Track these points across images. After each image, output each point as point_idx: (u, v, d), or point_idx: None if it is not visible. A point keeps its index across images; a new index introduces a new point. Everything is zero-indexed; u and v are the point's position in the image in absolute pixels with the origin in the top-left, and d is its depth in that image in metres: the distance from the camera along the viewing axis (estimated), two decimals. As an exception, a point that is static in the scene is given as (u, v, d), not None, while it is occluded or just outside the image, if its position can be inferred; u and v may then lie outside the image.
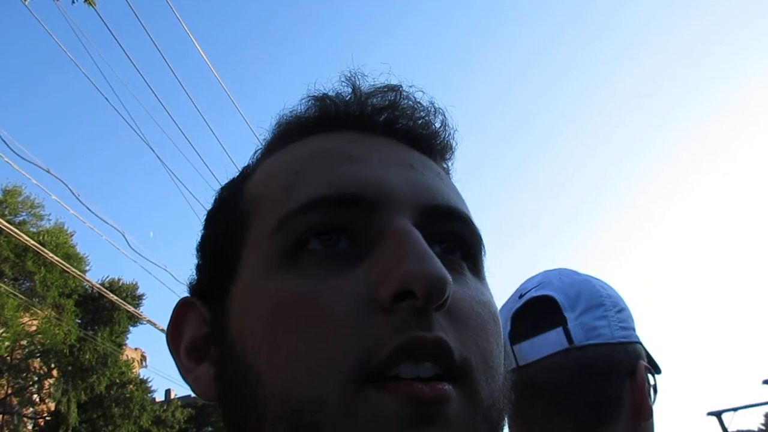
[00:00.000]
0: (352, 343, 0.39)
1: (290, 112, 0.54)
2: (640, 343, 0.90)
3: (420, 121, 0.53)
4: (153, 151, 10.67)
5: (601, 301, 0.87)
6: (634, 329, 0.90)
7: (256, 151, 0.56)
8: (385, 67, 0.54)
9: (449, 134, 0.54)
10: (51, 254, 11.72)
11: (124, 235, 10.10)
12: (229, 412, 0.45)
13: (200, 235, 0.54)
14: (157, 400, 29.33)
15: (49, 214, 22.45)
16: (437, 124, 0.54)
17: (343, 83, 0.53)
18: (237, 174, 0.55)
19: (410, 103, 0.53)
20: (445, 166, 0.55)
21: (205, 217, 0.54)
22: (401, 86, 0.53)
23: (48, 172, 8.78)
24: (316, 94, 0.53)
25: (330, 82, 0.54)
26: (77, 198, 9.26)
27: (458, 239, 0.47)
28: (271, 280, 0.43)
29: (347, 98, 0.52)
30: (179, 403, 28.82)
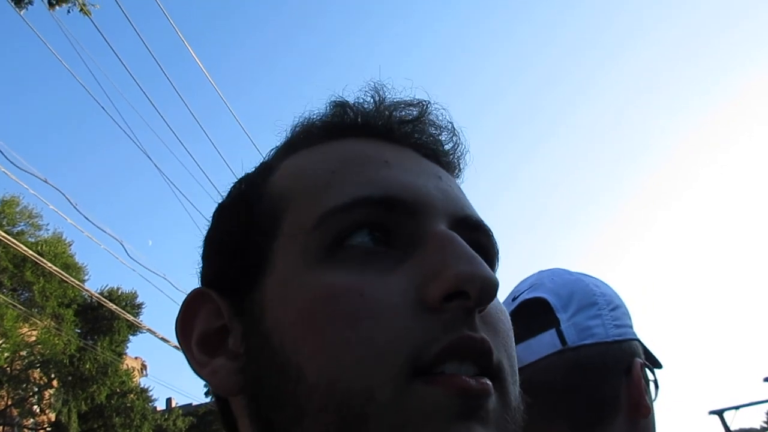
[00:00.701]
0: (402, 339, 0.40)
1: (315, 115, 0.55)
2: (637, 340, 0.89)
3: (441, 137, 0.56)
4: (150, 159, 10.68)
5: (594, 300, 0.87)
6: (630, 326, 0.89)
7: (273, 149, 0.57)
8: (407, 82, 0.56)
9: (464, 153, 0.57)
10: (49, 264, 11.70)
11: (122, 244, 10.11)
12: (259, 406, 0.45)
13: (213, 227, 0.54)
14: (158, 409, 29.23)
15: (47, 224, 22.46)
16: (454, 143, 0.56)
17: (368, 93, 0.55)
18: (254, 169, 0.56)
19: (433, 118, 0.55)
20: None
21: (218, 209, 0.55)
22: (426, 101, 0.55)
23: (45, 181, 8.79)
24: (342, 101, 0.55)
25: (353, 90, 0.55)
26: (75, 207, 9.28)
27: (481, 250, 0.49)
28: (312, 273, 0.44)
29: (374, 108, 0.54)
30: (180, 411, 28.75)
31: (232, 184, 0.56)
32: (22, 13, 8.15)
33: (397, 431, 0.39)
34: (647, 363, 0.89)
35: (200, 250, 0.55)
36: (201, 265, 0.54)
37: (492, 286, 0.42)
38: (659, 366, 0.94)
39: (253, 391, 0.45)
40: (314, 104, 0.56)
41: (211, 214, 0.55)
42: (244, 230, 0.50)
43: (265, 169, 0.54)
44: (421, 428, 0.39)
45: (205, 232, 0.56)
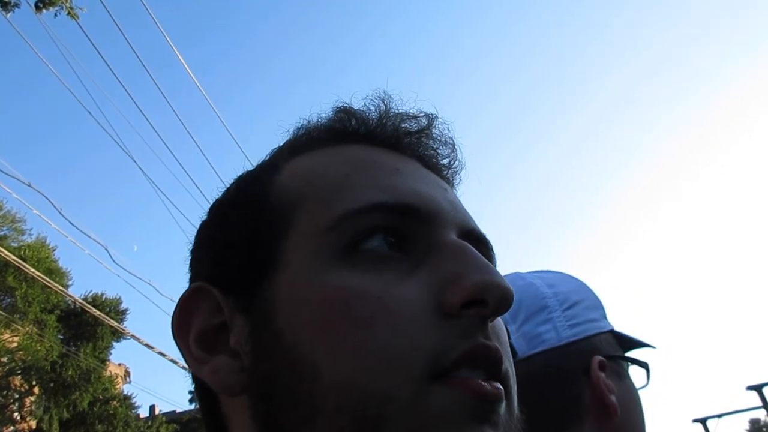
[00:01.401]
0: (422, 343, 0.41)
1: (319, 118, 0.56)
2: (604, 332, 0.84)
3: (443, 151, 0.57)
4: (136, 163, 10.61)
5: (544, 303, 0.82)
6: (593, 320, 0.84)
7: (274, 148, 0.57)
8: (412, 93, 0.57)
9: (460, 169, 0.58)
10: (32, 269, 11.57)
11: (107, 249, 10.02)
12: (268, 405, 0.44)
13: (213, 223, 0.54)
14: (142, 416, 28.87)
15: (31, 229, 22.19)
16: (454, 158, 0.58)
17: (374, 101, 0.56)
18: (256, 167, 0.56)
19: (437, 132, 0.57)
20: None
21: (219, 205, 0.54)
22: (432, 115, 0.56)
23: (29, 186, 8.70)
24: (348, 107, 0.56)
25: (358, 97, 0.56)
26: (59, 212, 9.19)
27: None
28: (329, 273, 0.44)
29: (381, 116, 0.55)
30: (164, 418, 28.42)
31: (231, 181, 0.56)
32: (8, 16, 8.09)
33: None
34: (620, 355, 0.85)
35: (193, 246, 0.55)
36: (195, 261, 0.54)
37: (510, 296, 0.43)
38: (650, 346, 0.90)
39: (262, 390, 0.45)
40: (306, 108, 0.57)
41: (209, 210, 0.55)
42: (251, 227, 0.49)
43: (270, 167, 0.54)
44: (438, 430, 0.39)
45: (198, 228, 0.55)
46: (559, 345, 0.79)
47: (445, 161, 0.57)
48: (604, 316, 0.88)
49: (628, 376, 0.85)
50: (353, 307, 0.42)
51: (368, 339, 0.41)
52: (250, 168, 0.57)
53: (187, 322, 0.49)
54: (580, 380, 0.79)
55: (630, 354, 0.89)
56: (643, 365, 0.88)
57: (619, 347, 0.87)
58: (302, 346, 0.42)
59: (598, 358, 0.80)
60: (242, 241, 0.49)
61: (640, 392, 0.87)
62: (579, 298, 0.86)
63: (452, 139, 0.57)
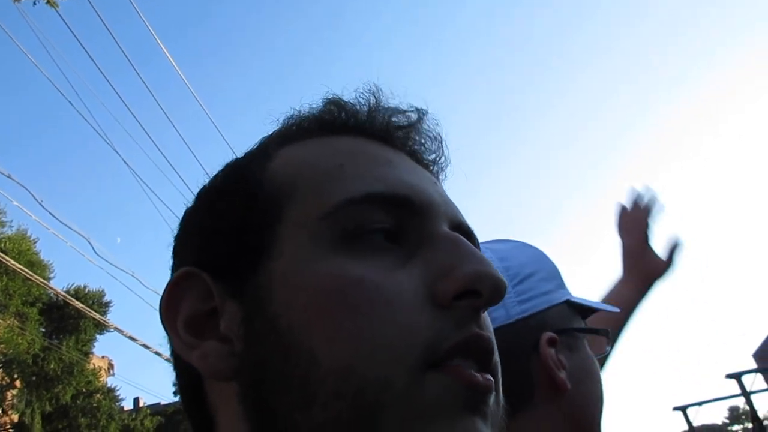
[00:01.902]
0: (418, 332, 0.41)
1: (311, 109, 0.56)
2: (556, 305, 0.82)
3: (431, 146, 0.58)
4: (119, 155, 10.49)
5: None
6: (545, 293, 0.82)
7: (263, 137, 0.57)
8: (402, 88, 0.57)
9: (447, 164, 0.59)
10: (13, 262, 11.41)
11: (89, 241, 9.91)
12: (260, 390, 0.44)
13: (203, 208, 0.54)
14: (126, 408, 28.72)
15: (11, 221, 21.88)
16: (441, 154, 0.58)
17: (365, 94, 0.56)
18: (245, 154, 0.56)
19: (426, 128, 0.57)
20: None
21: (208, 191, 0.54)
22: (422, 110, 0.57)
23: (9, 177, 8.57)
24: (339, 99, 0.56)
25: (348, 89, 0.57)
26: (40, 204, 9.06)
27: None
28: (325, 261, 0.44)
29: (372, 109, 0.55)
30: (148, 411, 28.29)
31: (220, 168, 0.56)
32: (-15, 4, 7.93)
33: (408, 421, 0.39)
34: (571, 327, 0.82)
35: (178, 232, 0.55)
36: (180, 248, 0.54)
37: (502, 287, 0.44)
38: (610, 310, 0.89)
39: (254, 375, 0.44)
40: (293, 101, 0.57)
41: (196, 196, 0.55)
42: (241, 213, 0.49)
43: (262, 154, 0.54)
44: (433, 417, 0.40)
45: (183, 215, 0.55)
46: (508, 323, 0.77)
47: (432, 156, 0.57)
48: (561, 286, 0.85)
49: (582, 348, 0.83)
50: (349, 294, 0.42)
51: (364, 327, 0.41)
52: (236, 157, 0.57)
53: (175, 306, 0.49)
54: (530, 358, 0.77)
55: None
56: (602, 333, 0.85)
57: (576, 316, 0.85)
58: (298, 332, 0.42)
59: (548, 334, 0.78)
60: (232, 227, 0.49)
61: (610, 357, 0.86)
62: (532, 270, 0.83)
63: (440, 135, 0.58)
